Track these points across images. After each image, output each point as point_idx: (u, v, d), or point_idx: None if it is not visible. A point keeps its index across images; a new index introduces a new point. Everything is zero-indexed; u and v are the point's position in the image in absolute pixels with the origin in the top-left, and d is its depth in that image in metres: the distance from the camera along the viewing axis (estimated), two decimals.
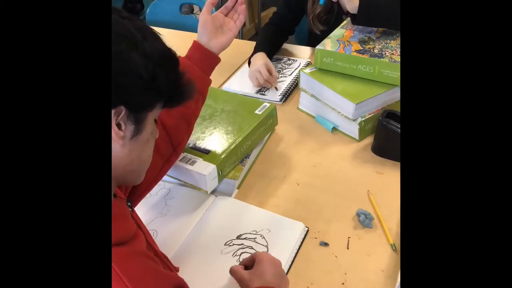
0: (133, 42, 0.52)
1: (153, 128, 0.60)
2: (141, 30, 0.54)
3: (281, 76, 1.35)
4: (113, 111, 0.51)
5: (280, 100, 1.26)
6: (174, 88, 0.59)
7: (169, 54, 0.58)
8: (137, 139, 0.56)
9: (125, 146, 0.55)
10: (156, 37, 0.57)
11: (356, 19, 1.18)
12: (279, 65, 1.42)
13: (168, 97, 0.59)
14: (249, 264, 0.75)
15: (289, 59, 1.45)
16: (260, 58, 1.33)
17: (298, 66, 1.40)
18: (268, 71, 1.29)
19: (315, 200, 0.95)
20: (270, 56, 1.38)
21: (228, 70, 1.43)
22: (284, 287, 0.71)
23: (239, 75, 1.40)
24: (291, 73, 1.36)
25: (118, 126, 0.53)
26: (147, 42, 0.53)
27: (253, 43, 1.59)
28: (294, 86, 1.32)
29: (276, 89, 1.29)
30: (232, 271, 0.74)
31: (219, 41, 0.87)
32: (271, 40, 1.46)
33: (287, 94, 1.29)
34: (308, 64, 1.41)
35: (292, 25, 1.55)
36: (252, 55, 1.37)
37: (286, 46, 1.57)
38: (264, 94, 1.28)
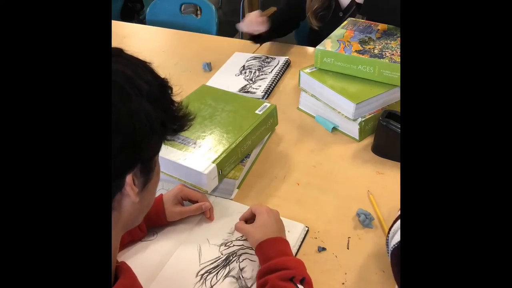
0: (133, 91, 0.45)
1: (158, 165, 0.56)
2: (131, 65, 0.47)
3: (261, 74, 1.37)
4: (130, 175, 0.48)
5: (263, 97, 1.28)
6: (175, 119, 0.54)
7: (163, 82, 0.52)
8: (147, 187, 0.53)
9: (138, 199, 0.52)
10: (147, 67, 0.51)
11: (361, 9, 1.18)
12: (258, 64, 1.44)
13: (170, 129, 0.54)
14: (249, 217, 0.83)
15: (267, 57, 1.47)
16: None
17: (277, 64, 1.42)
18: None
19: (315, 200, 0.95)
20: (278, 29, 1.48)
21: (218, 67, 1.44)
22: (282, 229, 0.80)
23: (221, 73, 1.41)
24: (271, 71, 1.39)
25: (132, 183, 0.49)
26: (143, 79, 0.47)
27: (251, 43, 1.59)
28: (276, 83, 1.35)
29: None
30: (238, 228, 0.82)
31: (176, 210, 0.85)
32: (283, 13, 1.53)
33: (269, 91, 1.31)
34: (286, 62, 1.43)
35: (295, 19, 1.56)
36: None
37: (267, 44, 1.59)
38: (247, 92, 1.29)
